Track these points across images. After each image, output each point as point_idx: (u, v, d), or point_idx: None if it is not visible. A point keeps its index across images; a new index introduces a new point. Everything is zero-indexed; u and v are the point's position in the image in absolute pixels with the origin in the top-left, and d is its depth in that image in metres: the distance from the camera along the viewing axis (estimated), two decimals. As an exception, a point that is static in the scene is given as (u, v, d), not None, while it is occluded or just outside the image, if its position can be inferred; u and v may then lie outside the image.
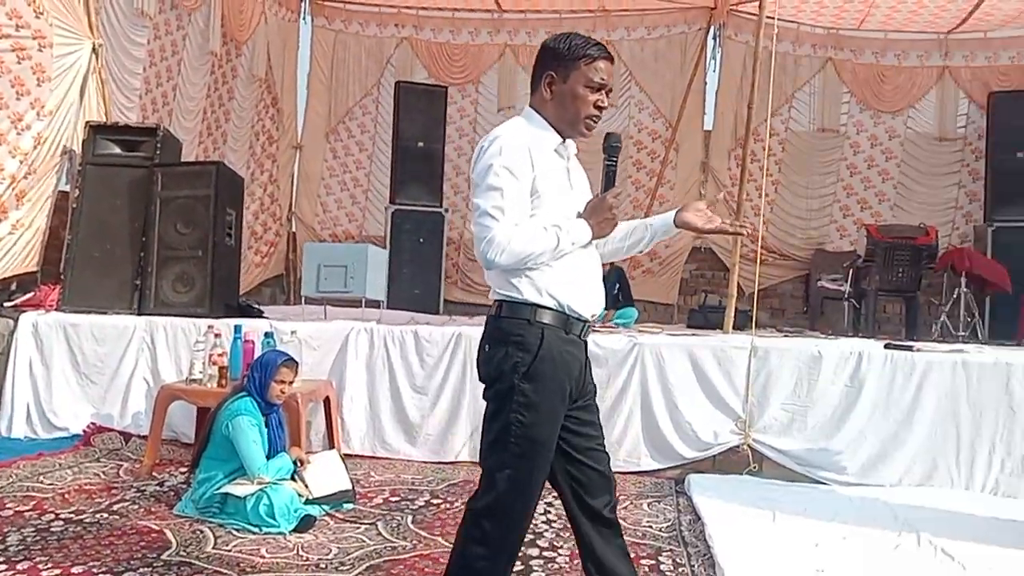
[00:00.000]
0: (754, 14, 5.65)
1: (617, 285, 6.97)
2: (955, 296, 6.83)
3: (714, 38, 8.33)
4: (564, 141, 2.29)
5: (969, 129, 8.43)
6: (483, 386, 2.29)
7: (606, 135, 2.32)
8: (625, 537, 3.08)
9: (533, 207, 2.18)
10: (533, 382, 2.16)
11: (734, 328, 5.59)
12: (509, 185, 2.13)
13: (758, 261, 5.45)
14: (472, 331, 5.05)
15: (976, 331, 6.84)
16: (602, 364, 4.81)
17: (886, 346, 4.88)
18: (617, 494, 2.44)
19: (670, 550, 3.47)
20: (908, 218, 8.26)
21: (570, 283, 2.21)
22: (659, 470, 4.80)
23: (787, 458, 4.70)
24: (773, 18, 5.11)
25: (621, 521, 3.85)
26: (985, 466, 4.67)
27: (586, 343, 2.31)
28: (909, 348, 4.80)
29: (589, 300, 2.26)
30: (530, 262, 2.15)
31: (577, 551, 2.42)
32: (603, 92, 2.25)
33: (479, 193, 2.17)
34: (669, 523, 3.87)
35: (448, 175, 8.81)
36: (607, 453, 2.39)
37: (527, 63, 8.69)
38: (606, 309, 6.78)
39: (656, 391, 4.80)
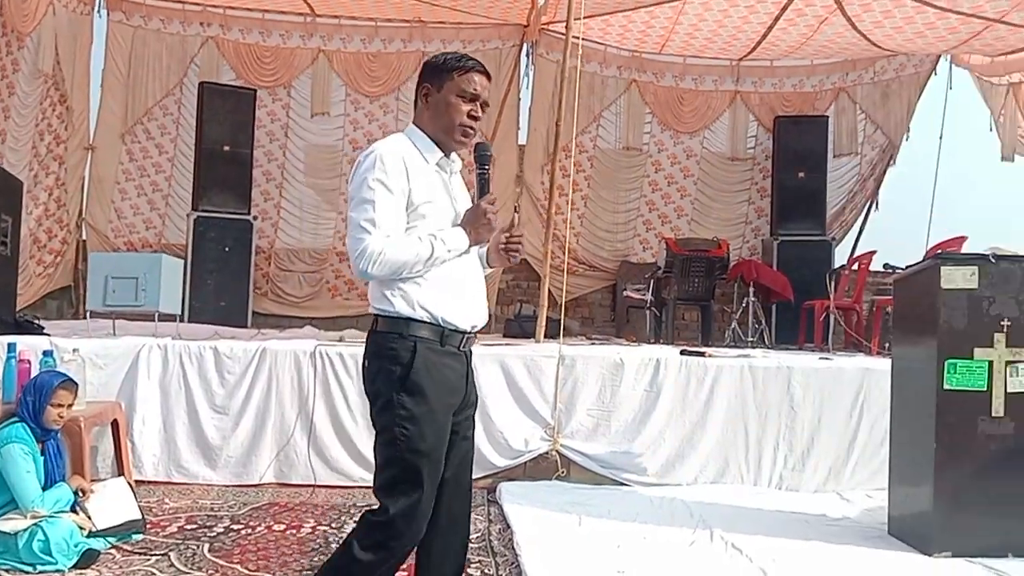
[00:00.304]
0: (563, 34, 5.83)
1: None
2: (744, 304, 7.35)
3: (527, 55, 8.54)
4: (448, 156, 2.33)
5: (758, 150, 9.12)
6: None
7: (476, 144, 2.35)
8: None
9: (411, 220, 2.21)
10: (412, 395, 2.17)
11: (547, 337, 5.72)
12: (382, 198, 2.16)
13: (565, 272, 5.59)
14: (280, 345, 4.86)
15: (763, 336, 7.39)
16: (414, 376, 4.77)
17: (681, 352, 5.17)
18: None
19: (479, 561, 3.48)
20: (704, 232, 8.81)
21: (444, 293, 2.23)
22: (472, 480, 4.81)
23: (592, 462, 4.86)
24: (579, 38, 5.29)
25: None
26: (771, 462, 5.03)
27: (468, 354, 2.34)
28: (702, 354, 5.11)
29: (466, 311, 2.28)
30: (405, 272, 2.17)
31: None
32: (476, 103, 2.30)
33: (353, 206, 2.19)
34: (479, 533, 3.89)
35: (258, 181, 8.46)
36: (471, 471, 2.45)
37: (341, 69, 8.57)
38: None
39: (469, 402, 4.82)
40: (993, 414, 3.76)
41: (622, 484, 4.87)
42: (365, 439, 4.71)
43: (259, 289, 8.35)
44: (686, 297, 7.75)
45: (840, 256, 8.64)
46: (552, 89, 8.36)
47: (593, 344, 6.26)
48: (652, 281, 7.84)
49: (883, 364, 4.51)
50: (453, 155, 2.35)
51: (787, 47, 7.92)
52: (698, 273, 7.62)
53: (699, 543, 3.87)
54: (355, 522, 3.92)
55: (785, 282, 7.60)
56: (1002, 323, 3.75)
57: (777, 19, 7.05)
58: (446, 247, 2.20)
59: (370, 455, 4.60)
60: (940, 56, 8.40)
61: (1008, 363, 3.76)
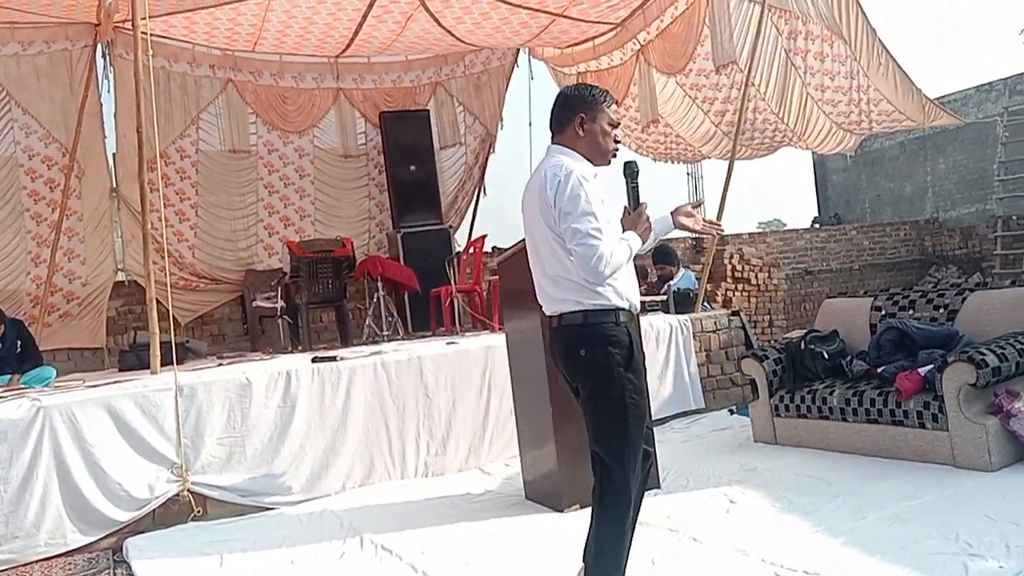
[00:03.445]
0: (142, 33, 5.28)
1: (19, 342, 5.97)
2: (375, 300, 7.39)
3: (104, 56, 7.65)
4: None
5: (369, 145, 9.16)
6: (569, 384, 2.83)
7: (626, 163, 2.82)
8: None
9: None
10: (635, 372, 2.67)
11: (165, 365, 5.19)
12: (597, 210, 2.59)
13: (168, 288, 5.10)
14: None
15: (398, 328, 7.51)
16: (0, 440, 4.05)
17: (313, 360, 5.02)
18: None
19: (101, 639, 3.05)
20: (329, 231, 8.69)
21: (632, 287, 2.75)
22: (92, 543, 4.23)
23: (231, 493, 4.53)
24: (147, 34, 4.85)
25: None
26: (414, 453, 5.12)
27: None
28: (333, 359, 5.01)
29: (634, 297, 2.77)
30: (616, 271, 2.62)
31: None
32: (618, 129, 2.80)
33: (575, 219, 2.57)
34: (101, 606, 3.42)
35: None
36: None
37: None
38: (10, 372, 5.79)
39: (74, 457, 4.20)
40: (595, 372, 4.16)
41: (268, 509, 4.62)
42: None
43: None
44: (318, 300, 7.61)
45: (462, 242, 9.07)
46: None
47: (221, 364, 5.86)
48: (281, 288, 7.57)
49: (503, 340, 4.77)
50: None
51: (380, 44, 8.04)
52: (326, 274, 7.52)
53: (349, 553, 3.80)
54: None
55: (410, 273, 7.78)
56: (591, 290, 4.14)
57: (365, 16, 7.11)
58: (633, 250, 2.69)
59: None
60: (519, 49, 9.15)
61: (601, 325, 4.17)
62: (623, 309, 2.68)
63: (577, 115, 2.75)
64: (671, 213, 2.92)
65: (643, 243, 2.77)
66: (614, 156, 2.82)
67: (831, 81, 7.43)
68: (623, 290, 2.70)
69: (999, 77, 13.23)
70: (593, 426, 2.72)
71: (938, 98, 8.48)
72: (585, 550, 2.72)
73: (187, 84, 8.02)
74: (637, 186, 2.82)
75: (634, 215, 2.78)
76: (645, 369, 2.77)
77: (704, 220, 2.98)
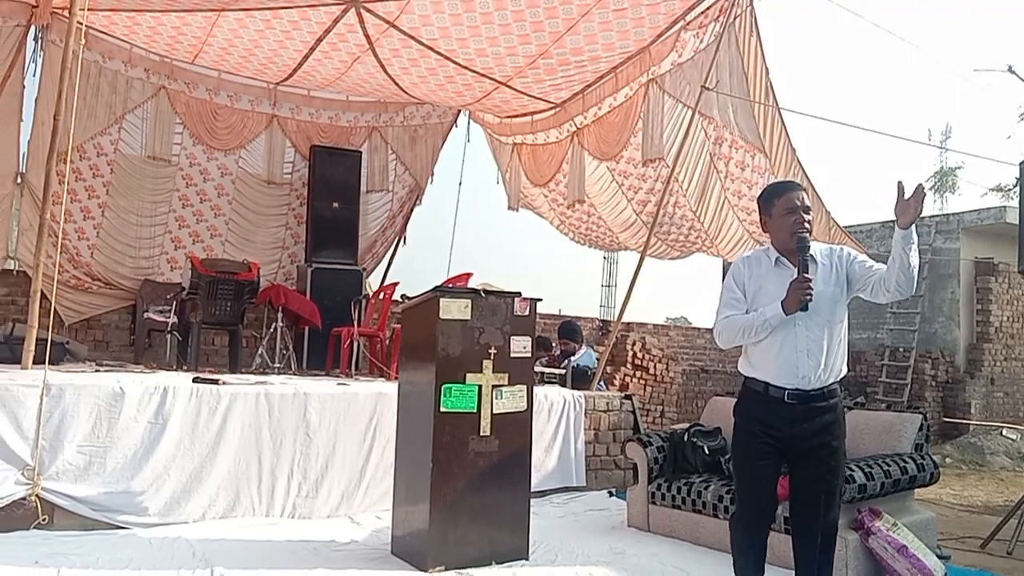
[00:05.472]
0: (78, 22, 5.16)
1: None
2: (272, 330, 7.22)
3: (36, 39, 7.40)
4: (780, 256, 3.25)
5: (295, 176, 9.08)
6: None
7: (797, 238, 3.16)
8: None
9: (750, 304, 3.22)
10: (748, 434, 3.25)
11: (38, 362, 4.93)
12: (726, 293, 3.27)
13: (55, 285, 4.85)
14: None
15: (291, 362, 7.34)
16: None
17: (194, 380, 4.85)
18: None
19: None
20: (239, 254, 8.48)
21: (769, 359, 3.17)
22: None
23: (82, 505, 4.28)
24: (83, 24, 4.74)
25: None
26: (284, 492, 4.95)
27: (794, 403, 3.14)
28: (215, 381, 4.85)
29: (783, 371, 3.15)
30: (740, 339, 3.20)
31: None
32: (799, 212, 3.18)
33: (719, 298, 3.29)
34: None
35: None
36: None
37: None
38: None
39: (-85, 443, 3.92)
40: (481, 433, 4.15)
41: (119, 527, 4.38)
42: None
43: None
44: (212, 321, 7.39)
45: (374, 286, 9.00)
46: (67, 82, 7.35)
47: (99, 371, 5.59)
48: (176, 303, 7.32)
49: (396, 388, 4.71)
50: (809, 252, 3.14)
51: (323, 79, 8.04)
52: (226, 296, 7.32)
53: (196, 585, 3.62)
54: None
55: (313, 308, 7.65)
56: (490, 351, 4.17)
57: (312, 49, 7.12)
58: (763, 318, 3.12)
59: None
60: (460, 111, 9.29)
61: (494, 386, 4.19)
62: (752, 378, 3.22)
63: (761, 217, 3.35)
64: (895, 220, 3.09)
65: (789, 310, 3.07)
66: (800, 235, 3.14)
67: (748, 190, 7.78)
68: (755, 361, 3.22)
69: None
70: None
71: (847, 226, 8.95)
72: None
73: (118, 83, 7.83)
74: (804, 259, 3.14)
75: (791, 284, 3.10)
76: (759, 435, 3.19)
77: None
